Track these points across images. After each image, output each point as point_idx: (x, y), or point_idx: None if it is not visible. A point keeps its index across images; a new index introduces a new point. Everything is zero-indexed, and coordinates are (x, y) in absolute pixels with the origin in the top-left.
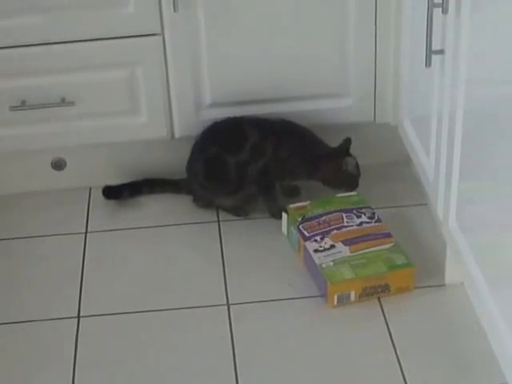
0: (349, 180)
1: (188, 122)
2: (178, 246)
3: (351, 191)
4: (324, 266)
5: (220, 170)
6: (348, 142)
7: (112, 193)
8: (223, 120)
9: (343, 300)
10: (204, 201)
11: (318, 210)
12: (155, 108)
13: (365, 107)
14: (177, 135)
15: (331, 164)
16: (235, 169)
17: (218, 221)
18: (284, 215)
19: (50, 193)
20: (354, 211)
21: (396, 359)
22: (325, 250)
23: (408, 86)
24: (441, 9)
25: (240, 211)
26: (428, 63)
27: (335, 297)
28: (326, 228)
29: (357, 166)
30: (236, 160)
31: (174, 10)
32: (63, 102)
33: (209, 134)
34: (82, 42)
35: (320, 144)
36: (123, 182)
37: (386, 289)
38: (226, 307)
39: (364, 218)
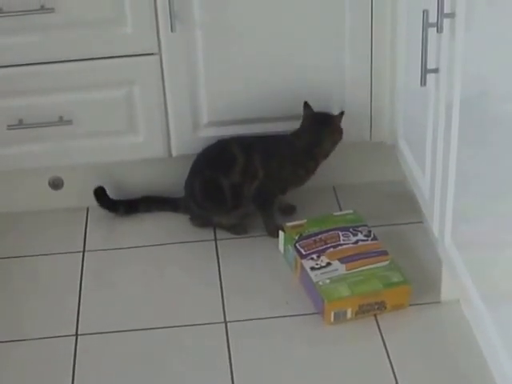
0: (340, 133)
1: (185, 141)
2: (175, 264)
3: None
4: (321, 283)
5: (216, 192)
6: (307, 105)
7: (106, 201)
8: (215, 143)
9: (340, 317)
10: (201, 220)
11: (315, 228)
12: (152, 127)
13: (361, 126)
14: (174, 154)
15: (328, 137)
16: (230, 190)
17: (215, 239)
18: (281, 233)
19: (47, 212)
20: (351, 229)
21: (393, 376)
22: (321, 267)
23: (403, 104)
24: (435, 28)
25: (238, 229)
26: (423, 82)
27: (332, 314)
28: (322, 246)
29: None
30: (230, 182)
31: (171, 30)
32: (61, 121)
33: (202, 157)
34: (80, 62)
35: (294, 135)
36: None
37: (382, 306)
38: (223, 325)
39: (360, 236)
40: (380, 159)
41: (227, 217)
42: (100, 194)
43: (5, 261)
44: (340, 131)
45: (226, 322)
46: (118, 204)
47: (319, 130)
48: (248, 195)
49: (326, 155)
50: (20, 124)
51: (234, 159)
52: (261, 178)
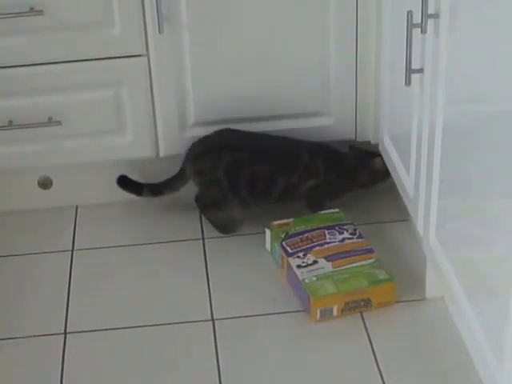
0: (383, 176)
1: (173, 141)
2: (163, 262)
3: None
4: (307, 281)
5: (265, 186)
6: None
7: (131, 185)
8: (274, 136)
9: (326, 314)
10: (209, 201)
11: (301, 226)
12: (140, 127)
13: (346, 126)
14: (162, 154)
15: (364, 171)
16: (282, 188)
17: (203, 238)
18: (267, 232)
19: (36, 211)
20: (337, 228)
21: (378, 372)
22: (308, 265)
23: (388, 104)
24: (420, 29)
25: (228, 228)
26: (408, 82)
27: (318, 311)
28: (308, 244)
29: (383, 161)
30: (286, 179)
31: (159, 32)
32: (50, 121)
33: (266, 148)
34: (69, 63)
35: (351, 148)
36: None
37: (367, 303)
38: (210, 322)
39: (346, 235)
40: None
41: (242, 211)
42: (125, 181)
43: None
44: (381, 173)
45: (213, 320)
46: (142, 186)
47: (359, 165)
48: (298, 193)
49: (362, 187)
50: (10, 125)
51: (299, 157)
52: (320, 178)
